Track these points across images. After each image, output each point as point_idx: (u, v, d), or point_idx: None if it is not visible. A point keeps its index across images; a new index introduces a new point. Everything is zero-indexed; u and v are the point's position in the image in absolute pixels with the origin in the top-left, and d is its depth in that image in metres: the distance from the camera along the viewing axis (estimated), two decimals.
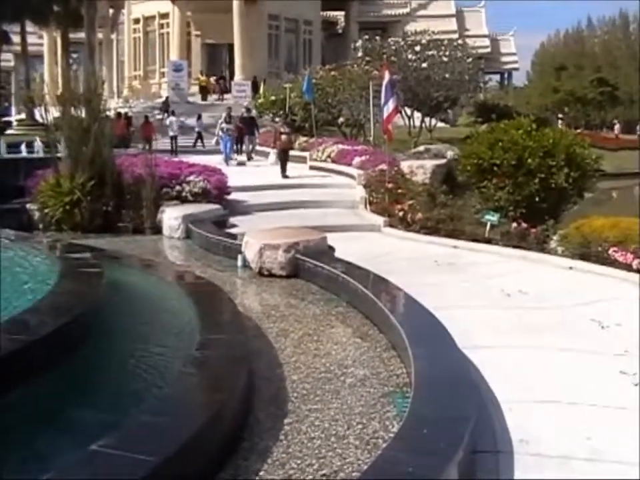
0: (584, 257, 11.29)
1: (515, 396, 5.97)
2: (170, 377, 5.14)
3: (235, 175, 19.61)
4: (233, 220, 14.72)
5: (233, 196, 16.49)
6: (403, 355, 6.23)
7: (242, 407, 5.17)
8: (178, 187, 15.01)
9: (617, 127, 67.58)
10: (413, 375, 5.44)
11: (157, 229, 13.63)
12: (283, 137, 22.74)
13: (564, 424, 5.48)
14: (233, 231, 13.37)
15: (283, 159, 22.19)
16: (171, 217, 13.38)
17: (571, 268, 11.09)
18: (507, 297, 9.42)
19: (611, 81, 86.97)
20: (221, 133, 28.80)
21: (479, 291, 9.76)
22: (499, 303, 9.12)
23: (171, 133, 32.36)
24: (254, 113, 32.95)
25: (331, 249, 10.25)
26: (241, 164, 26.90)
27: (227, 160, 26.70)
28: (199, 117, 35.75)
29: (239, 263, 10.23)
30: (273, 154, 25.10)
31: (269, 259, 9.69)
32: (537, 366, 6.81)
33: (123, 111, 37.94)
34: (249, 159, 27.93)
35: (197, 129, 35.22)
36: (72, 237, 13.08)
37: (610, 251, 10.83)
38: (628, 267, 10.40)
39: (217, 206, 14.63)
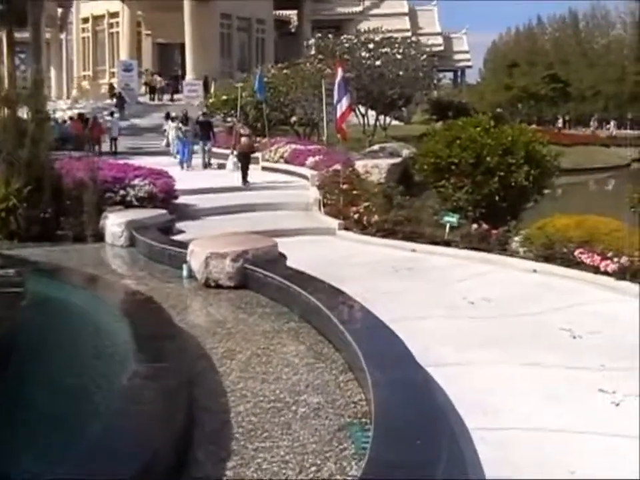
0: (548, 259, 10.79)
1: (486, 422, 5.39)
2: (94, 417, 4.45)
3: (186, 178, 18.87)
4: (180, 225, 13.95)
5: (182, 200, 15.71)
6: (361, 377, 5.61)
7: (179, 447, 4.49)
8: (122, 192, 14.21)
9: (559, 122, 68.70)
10: (372, 405, 4.82)
11: (99, 236, 12.77)
12: (243, 139, 20.74)
13: (543, 455, 4.91)
14: (180, 237, 12.62)
15: (244, 163, 20.13)
16: (114, 223, 12.56)
17: (535, 271, 10.59)
18: (470, 305, 8.87)
19: (563, 77, 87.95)
20: (178, 134, 27.51)
21: (440, 298, 9.19)
22: (462, 312, 8.56)
23: (113, 134, 31.39)
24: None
25: (283, 256, 9.58)
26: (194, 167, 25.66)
27: (184, 164, 25.35)
28: (168, 116, 34.19)
29: (184, 273, 9.52)
30: (231, 158, 23.23)
31: (216, 269, 9.00)
32: (506, 385, 6.25)
33: (78, 112, 36.75)
34: (207, 165, 26.18)
35: (164, 128, 33.89)
36: (7, 246, 12.23)
37: (576, 253, 10.33)
38: (595, 269, 9.91)
39: (162, 211, 13.80)
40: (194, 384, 5.53)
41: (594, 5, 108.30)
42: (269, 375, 6.00)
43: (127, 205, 13.97)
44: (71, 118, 34.82)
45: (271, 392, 5.63)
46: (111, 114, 34.24)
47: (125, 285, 9.01)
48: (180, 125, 27.52)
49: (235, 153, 21.70)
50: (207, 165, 25.70)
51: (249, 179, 19.89)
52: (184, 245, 10.31)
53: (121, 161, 17.72)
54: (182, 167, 24.53)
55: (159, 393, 4.81)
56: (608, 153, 54.64)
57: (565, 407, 5.75)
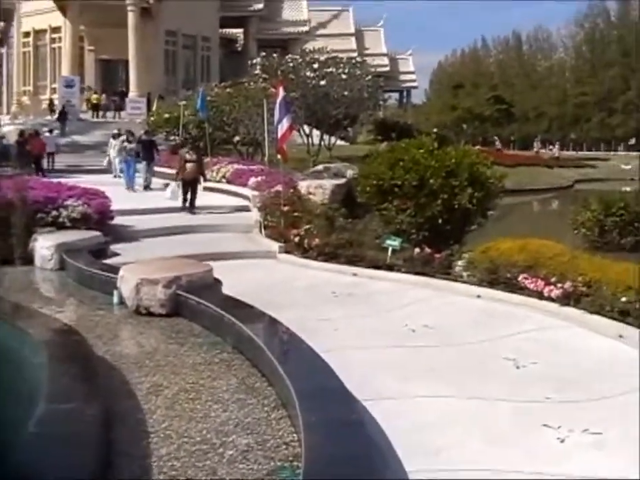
0: (492, 284, 10.56)
1: (427, 464, 5.07)
2: None
3: (125, 199, 18.34)
4: (115, 247, 13.42)
5: (119, 220, 15.17)
6: (293, 415, 5.26)
7: None
8: (54, 212, 13.61)
9: (497, 143, 70.73)
10: (303, 450, 4.47)
11: (29, 259, 12.24)
12: (189, 165, 18.84)
13: None
14: (114, 260, 12.13)
15: (187, 191, 18.68)
16: (43, 245, 12.02)
17: (478, 296, 10.33)
18: (412, 332, 8.57)
19: (507, 98, 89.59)
20: (122, 153, 26.65)
21: (380, 326, 8.87)
22: (403, 340, 8.25)
23: (49, 150, 30.65)
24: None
25: (218, 282, 9.19)
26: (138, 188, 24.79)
27: (130, 184, 24.41)
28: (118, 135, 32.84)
29: (115, 299, 9.08)
30: (172, 185, 21.01)
31: (147, 296, 8.57)
32: (448, 421, 5.93)
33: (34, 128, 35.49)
34: (147, 187, 24.75)
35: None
36: None
37: (520, 278, 10.12)
38: (539, 294, 9.70)
39: (96, 233, 13.22)
40: (112, 425, 5.12)
41: (537, 28, 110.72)
42: (196, 413, 5.61)
43: (60, 226, 13.40)
44: (21, 134, 32.90)
45: (197, 432, 5.24)
46: (50, 131, 33.40)
47: (48, 313, 8.51)
48: (125, 143, 26.66)
49: (178, 180, 19.69)
50: (147, 187, 24.87)
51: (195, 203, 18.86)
52: (115, 269, 9.83)
53: (55, 180, 17.11)
54: (127, 187, 23.88)
55: (65, 438, 4.38)
56: (551, 174, 55.38)
57: (509, 445, 5.46)
